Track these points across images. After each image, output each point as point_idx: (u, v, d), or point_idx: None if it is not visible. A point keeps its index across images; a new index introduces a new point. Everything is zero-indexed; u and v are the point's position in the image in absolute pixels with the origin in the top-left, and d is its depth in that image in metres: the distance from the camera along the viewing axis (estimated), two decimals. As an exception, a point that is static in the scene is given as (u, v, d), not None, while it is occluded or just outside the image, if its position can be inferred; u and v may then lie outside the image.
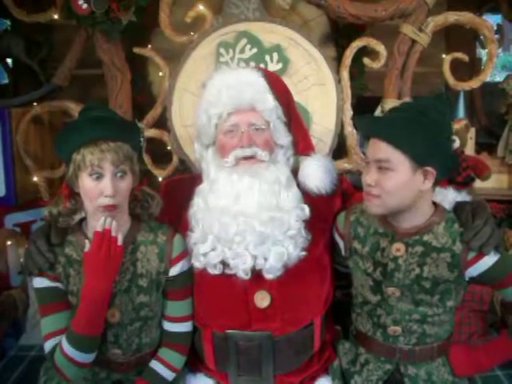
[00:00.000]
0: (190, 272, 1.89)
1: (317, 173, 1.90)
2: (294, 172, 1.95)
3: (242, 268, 1.78)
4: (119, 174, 1.67)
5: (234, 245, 1.78)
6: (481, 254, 1.70)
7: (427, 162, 1.63)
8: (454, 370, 1.83)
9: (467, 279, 1.76)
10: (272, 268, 1.78)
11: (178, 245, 1.85)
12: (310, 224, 1.88)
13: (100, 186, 1.64)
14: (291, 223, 1.82)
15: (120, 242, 1.67)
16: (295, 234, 1.82)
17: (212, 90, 1.91)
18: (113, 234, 1.66)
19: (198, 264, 1.83)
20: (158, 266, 1.81)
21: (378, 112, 2.97)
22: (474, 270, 1.72)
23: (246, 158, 1.84)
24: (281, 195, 1.83)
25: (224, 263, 1.81)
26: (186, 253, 1.86)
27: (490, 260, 1.70)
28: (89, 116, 1.68)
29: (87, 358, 1.69)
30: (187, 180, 2.06)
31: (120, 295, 1.76)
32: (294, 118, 1.99)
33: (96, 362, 1.76)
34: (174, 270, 1.84)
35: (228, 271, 1.81)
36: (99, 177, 1.64)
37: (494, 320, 2.44)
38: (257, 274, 1.80)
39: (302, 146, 1.98)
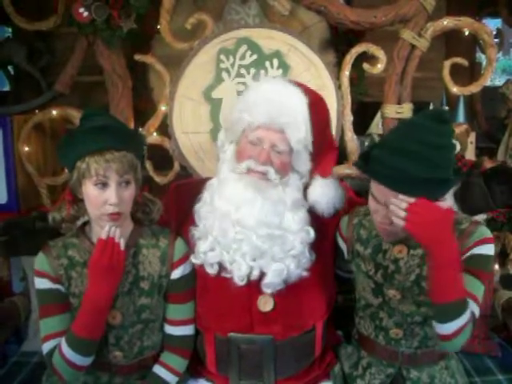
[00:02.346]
0: (191, 275, 1.90)
1: (325, 199, 1.89)
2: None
3: (237, 274, 1.79)
4: (123, 183, 1.68)
5: (231, 250, 1.80)
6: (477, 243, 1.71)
7: (439, 197, 1.62)
8: (434, 298, 1.69)
9: None
10: (271, 284, 1.80)
11: (179, 249, 1.87)
12: (316, 243, 1.89)
13: (105, 194, 1.65)
14: (295, 244, 1.82)
15: (123, 247, 1.69)
16: (298, 254, 1.82)
17: (253, 95, 1.88)
18: (116, 240, 1.67)
19: (196, 261, 1.85)
20: (159, 270, 1.83)
21: (378, 117, 2.99)
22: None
23: (257, 172, 1.83)
24: (285, 216, 1.83)
25: (222, 266, 1.83)
26: (187, 257, 1.88)
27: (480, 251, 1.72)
28: (93, 124, 1.68)
29: (85, 361, 1.71)
30: (197, 183, 2.06)
31: (122, 297, 1.77)
32: (326, 147, 1.97)
33: (97, 366, 1.78)
34: (176, 274, 1.86)
35: (225, 274, 1.82)
36: (104, 186, 1.65)
37: (496, 324, 2.43)
38: (260, 279, 1.81)
39: (320, 169, 1.95)
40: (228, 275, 1.82)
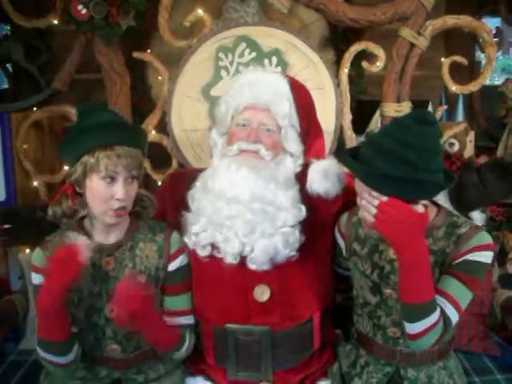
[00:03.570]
0: (187, 267, 1.92)
1: (323, 179, 1.88)
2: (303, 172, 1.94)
3: (230, 252, 1.80)
4: (129, 179, 1.69)
5: (224, 229, 1.81)
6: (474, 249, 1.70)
7: (417, 198, 1.62)
8: (401, 297, 1.69)
9: None
10: (256, 259, 1.80)
11: (175, 242, 1.88)
12: (309, 224, 1.89)
13: (112, 189, 1.66)
14: (286, 222, 1.83)
15: (83, 259, 1.61)
16: (288, 233, 1.83)
17: (236, 84, 1.98)
18: (80, 252, 1.60)
19: (188, 242, 1.87)
20: (157, 263, 1.83)
21: (377, 116, 2.98)
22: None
23: (249, 152, 1.87)
24: (277, 193, 1.84)
25: (214, 247, 1.84)
26: (183, 249, 1.90)
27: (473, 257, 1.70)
28: (103, 119, 1.68)
29: (62, 359, 1.71)
30: (192, 172, 2.09)
31: None
32: (314, 131, 2.02)
33: (96, 360, 1.79)
34: (173, 266, 1.87)
35: (217, 255, 1.84)
36: (112, 180, 1.66)
37: (495, 323, 2.43)
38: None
39: (313, 151, 1.99)
40: (220, 255, 1.83)
